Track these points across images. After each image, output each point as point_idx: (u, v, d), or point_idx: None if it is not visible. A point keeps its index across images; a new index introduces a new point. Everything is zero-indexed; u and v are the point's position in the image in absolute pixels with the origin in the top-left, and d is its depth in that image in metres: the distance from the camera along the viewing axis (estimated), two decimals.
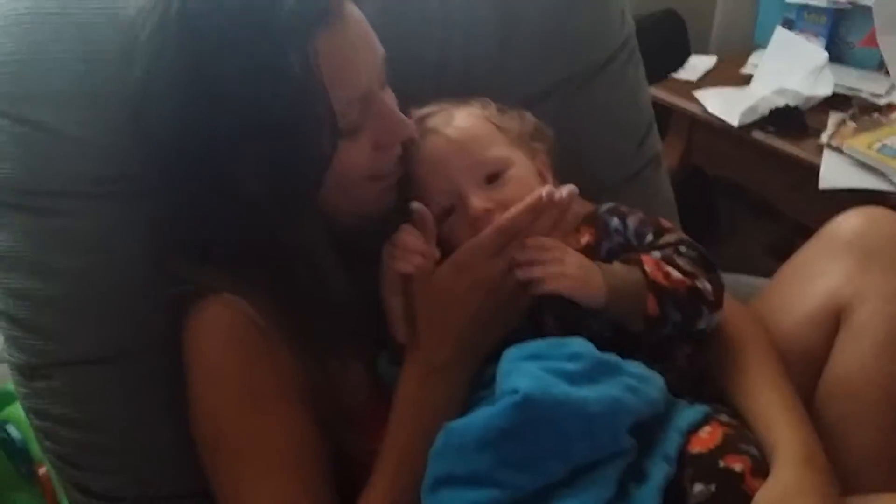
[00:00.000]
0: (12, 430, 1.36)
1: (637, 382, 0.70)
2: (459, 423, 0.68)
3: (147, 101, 0.72)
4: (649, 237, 0.79)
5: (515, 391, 0.66)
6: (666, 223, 0.81)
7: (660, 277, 0.73)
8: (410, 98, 0.82)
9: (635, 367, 0.71)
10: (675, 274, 0.73)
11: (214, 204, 0.74)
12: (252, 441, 0.74)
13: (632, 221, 0.81)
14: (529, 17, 1.04)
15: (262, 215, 0.73)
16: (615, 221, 0.81)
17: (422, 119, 0.82)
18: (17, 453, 1.37)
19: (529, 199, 0.74)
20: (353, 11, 0.74)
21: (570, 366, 0.68)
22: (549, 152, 0.87)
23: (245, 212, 0.73)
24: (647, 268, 0.73)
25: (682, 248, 0.77)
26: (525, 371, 0.67)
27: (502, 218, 0.74)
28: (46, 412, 0.85)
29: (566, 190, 0.76)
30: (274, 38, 0.67)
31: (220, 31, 0.68)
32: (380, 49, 0.77)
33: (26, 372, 0.85)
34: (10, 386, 1.38)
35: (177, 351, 0.78)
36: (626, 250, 0.79)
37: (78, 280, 0.83)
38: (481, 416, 0.67)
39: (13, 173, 0.82)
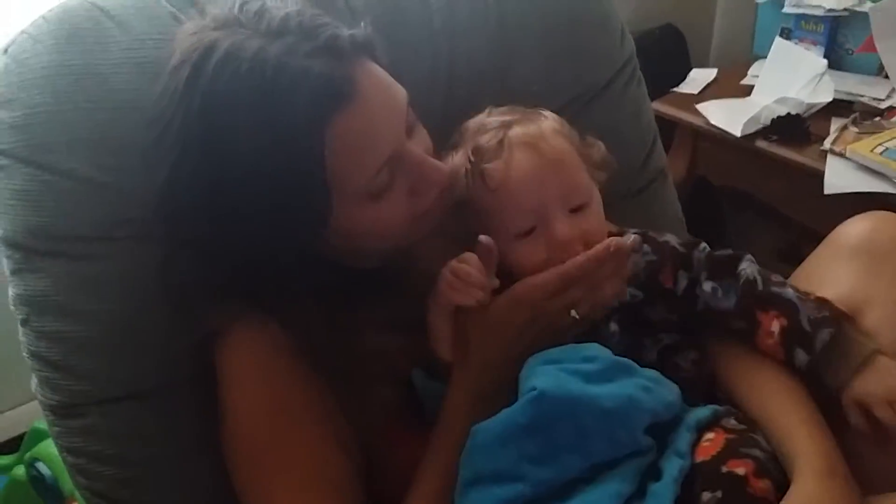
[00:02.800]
0: (42, 468, 1.39)
1: (651, 384, 0.72)
2: (483, 424, 0.71)
3: (171, 191, 0.74)
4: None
5: (533, 389, 0.69)
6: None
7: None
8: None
9: (650, 371, 0.74)
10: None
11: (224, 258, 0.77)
12: (286, 458, 0.76)
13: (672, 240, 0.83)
14: (531, 40, 1.07)
15: (267, 270, 0.76)
16: (645, 247, 0.82)
17: (504, 126, 0.79)
18: (47, 490, 1.39)
19: (600, 250, 0.75)
20: (370, 77, 0.73)
21: (586, 367, 0.71)
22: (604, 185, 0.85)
23: (252, 266, 0.76)
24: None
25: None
26: (543, 372, 0.71)
27: (570, 265, 0.75)
28: (81, 450, 0.87)
29: (631, 240, 0.77)
30: (287, 135, 0.68)
31: (235, 130, 0.69)
32: (402, 98, 0.77)
33: (59, 411, 0.87)
34: (39, 424, 1.43)
35: (210, 383, 0.80)
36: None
37: (109, 321, 0.85)
38: (503, 415, 0.70)
39: (45, 220, 0.84)
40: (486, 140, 0.78)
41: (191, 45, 0.72)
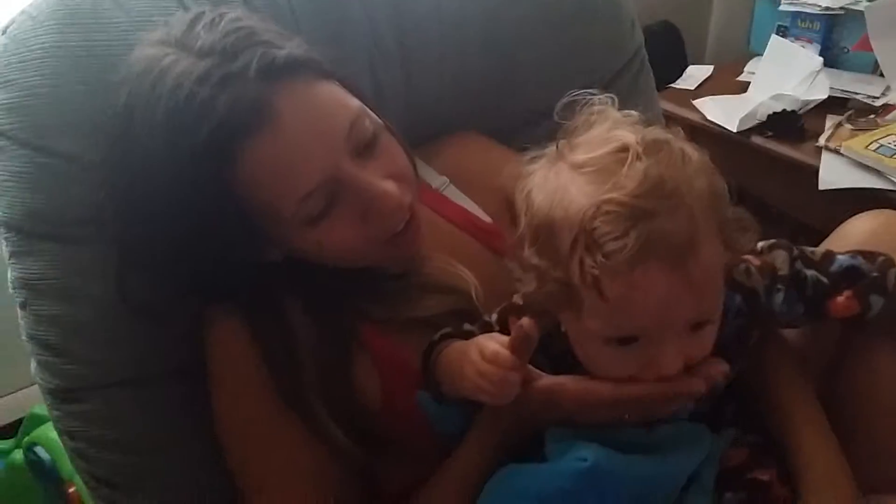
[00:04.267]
0: (41, 452, 1.39)
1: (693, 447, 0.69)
2: (524, 474, 0.68)
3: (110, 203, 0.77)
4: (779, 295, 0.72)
5: (584, 459, 0.65)
6: (755, 259, 0.73)
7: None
8: (427, 116, 0.80)
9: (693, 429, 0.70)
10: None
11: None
12: (274, 427, 0.76)
13: (759, 286, 0.71)
14: (544, 32, 1.07)
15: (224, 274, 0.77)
16: (737, 300, 0.71)
17: (639, 214, 0.56)
18: (46, 474, 1.40)
19: (678, 391, 0.64)
20: (295, 100, 0.70)
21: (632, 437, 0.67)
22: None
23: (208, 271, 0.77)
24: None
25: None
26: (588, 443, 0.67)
27: (634, 393, 0.64)
28: (81, 434, 0.86)
29: (718, 372, 0.66)
30: (194, 158, 0.68)
31: (150, 150, 0.70)
32: (340, 120, 0.72)
33: (59, 395, 0.86)
34: (37, 409, 1.43)
35: (204, 367, 0.80)
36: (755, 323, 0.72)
37: (106, 305, 0.84)
38: (545, 473, 0.67)
39: (41, 203, 0.84)
40: (611, 233, 0.57)
41: (140, 58, 0.73)
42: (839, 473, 0.71)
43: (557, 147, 0.65)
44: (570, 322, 0.65)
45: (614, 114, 0.66)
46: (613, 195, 0.57)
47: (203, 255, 0.74)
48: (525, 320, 0.63)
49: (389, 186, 0.74)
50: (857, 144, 1.50)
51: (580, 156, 0.62)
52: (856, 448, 0.74)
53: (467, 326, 0.75)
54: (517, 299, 0.67)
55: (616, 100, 0.67)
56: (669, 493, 0.68)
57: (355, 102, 0.75)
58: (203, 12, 0.74)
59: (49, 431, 1.36)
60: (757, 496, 0.69)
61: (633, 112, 0.66)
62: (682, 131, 0.65)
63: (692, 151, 0.62)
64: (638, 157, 0.58)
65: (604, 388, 0.66)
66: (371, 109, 0.77)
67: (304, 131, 0.70)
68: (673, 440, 0.68)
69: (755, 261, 0.73)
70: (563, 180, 0.62)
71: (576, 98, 0.67)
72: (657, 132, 0.63)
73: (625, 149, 0.59)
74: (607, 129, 0.63)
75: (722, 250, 0.62)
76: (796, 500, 0.70)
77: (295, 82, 0.70)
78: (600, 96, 0.67)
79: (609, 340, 0.62)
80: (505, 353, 0.64)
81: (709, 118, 1.70)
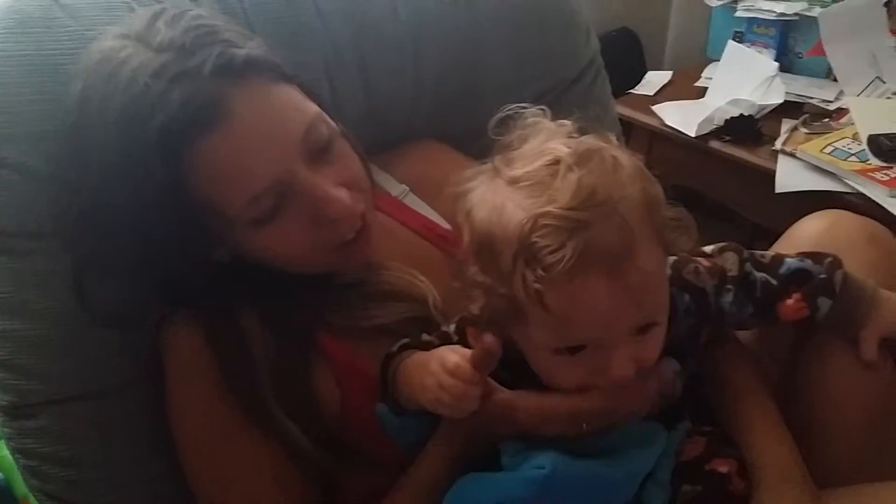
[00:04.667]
0: None
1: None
2: (482, 482, 0.69)
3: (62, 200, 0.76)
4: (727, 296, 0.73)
5: (541, 466, 0.65)
6: (705, 261, 0.75)
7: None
8: (386, 123, 0.80)
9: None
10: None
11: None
12: (231, 436, 0.75)
13: (708, 287, 0.73)
14: (501, 32, 1.08)
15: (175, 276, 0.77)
16: (685, 299, 0.72)
17: (576, 226, 0.57)
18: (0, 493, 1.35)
19: (633, 398, 0.66)
20: (250, 102, 0.69)
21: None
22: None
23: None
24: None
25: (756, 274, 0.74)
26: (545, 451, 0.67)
27: (587, 406, 0.65)
28: (33, 451, 0.85)
29: (669, 376, 0.69)
30: (144, 152, 0.67)
31: (103, 142, 0.69)
32: (295, 123, 0.71)
33: (10, 412, 0.84)
34: None
35: (161, 381, 0.79)
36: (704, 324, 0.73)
37: (58, 319, 0.83)
38: (504, 480, 0.67)
39: None
40: (548, 246, 0.57)
41: (97, 49, 0.72)
42: (793, 467, 0.72)
43: (494, 163, 0.65)
44: (520, 334, 0.66)
45: (548, 125, 0.66)
46: (548, 209, 0.58)
47: (155, 252, 0.73)
48: (488, 337, 0.63)
49: (341, 193, 0.73)
50: (813, 148, 1.53)
51: (516, 171, 0.62)
52: (811, 444, 0.75)
53: (426, 337, 0.75)
54: (475, 309, 0.67)
55: (548, 111, 0.68)
56: (627, 494, 0.69)
57: (313, 107, 0.74)
58: (165, 8, 0.73)
59: (2, 450, 1.32)
60: (714, 489, 0.69)
61: (566, 122, 0.66)
62: (614, 138, 0.66)
63: (624, 158, 0.63)
64: (570, 169, 0.59)
65: (561, 401, 0.66)
66: (328, 115, 0.77)
67: (257, 132, 0.69)
68: (628, 441, 0.68)
69: (705, 262, 0.74)
70: (501, 197, 0.62)
71: (508, 113, 0.68)
72: (589, 141, 0.63)
73: (557, 161, 0.60)
74: (541, 141, 0.64)
75: (661, 252, 0.63)
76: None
77: (251, 83, 0.70)
78: (532, 109, 0.68)
79: (559, 350, 0.63)
80: (466, 366, 0.64)
81: (668, 123, 1.72)
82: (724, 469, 0.70)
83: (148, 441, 0.85)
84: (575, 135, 0.65)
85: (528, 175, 0.61)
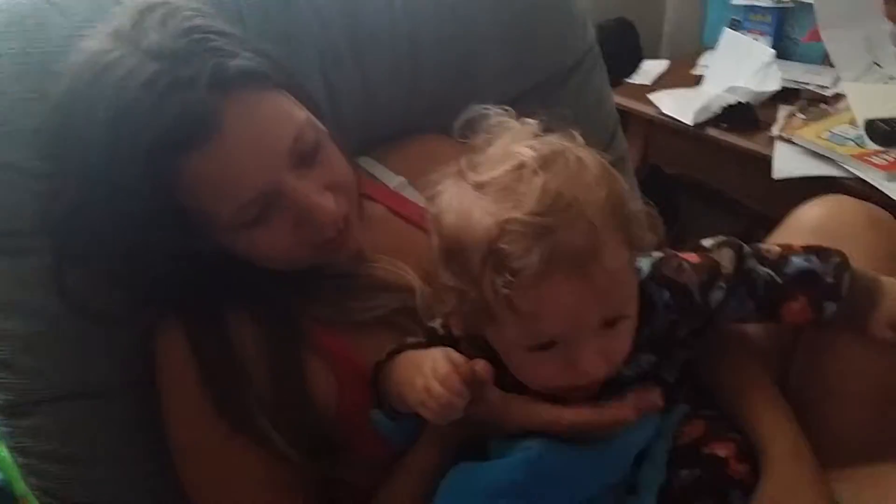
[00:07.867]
0: None
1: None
2: (475, 470, 0.69)
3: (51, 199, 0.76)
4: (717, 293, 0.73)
5: (530, 447, 0.67)
6: (696, 257, 0.74)
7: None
8: (383, 115, 0.79)
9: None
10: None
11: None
12: (221, 441, 0.75)
13: (692, 283, 0.72)
14: (496, 26, 1.07)
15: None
16: (665, 296, 0.72)
17: (542, 230, 0.58)
18: None
19: (611, 419, 0.68)
20: (242, 113, 0.69)
21: None
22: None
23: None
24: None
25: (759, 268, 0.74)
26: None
27: (564, 422, 0.67)
28: (31, 449, 0.85)
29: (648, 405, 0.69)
30: (133, 163, 0.67)
31: (90, 146, 0.68)
32: (283, 133, 0.72)
33: (8, 411, 0.84)
34: None
35: (154, 380, 0.79)
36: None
37: (54, 318, 0.82)
38: (497, 466, 0.68)
39: None
40: (515, 252, 0.58)
41: (84, 49, 0.71)
42: (803, 446, 0.72)
43: (460, 166, 0.66)
44: (493, 334, 0.67)
45: (512, 125, 0.66)
46: (514, 215, 0.58)
47: (140, 252, 0.73)
48: (481, 363, 0.65)
49: (326, 200, 0.74)
50: (810, 133, 1.52)
51: (481, 175, 0.62)
52: (816, 425, 0.75)
53: (411, 340, 0.75)
54: (447, 310, 0.68)
55: (512, 110, 0.68)
56: (617, 475, 0.69)
57: (301, 114, 0.74)
58: (155, 4, 0.72)
59: (1, 450, 1.33)
60: (712, 473, 0.69)
61: (530, 121, 0.66)
62: (579, 136, 0.65)
63: (589, 157, 0.63)
64: (535, 173, 0.59)
65: (544, 412, 0.68)
66: (318, 115, 0.77)
67: (246, 145, 0.69)
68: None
69: (693, 258, 0.74)
70: (468, 202, 0.63)
71: (473, 115, 0.68)
72: (554, 142, 0.63)
73: (522, 165, 0.60)
74: (506, 144, 0.64)
75: (626, 250, 0.63)
76: (756, 479, 0.70)
77: (243, 95, 0.70)
78: (496, 109, 0.68)
79: (530, 347, 0.64)
80: (456, 378, 0.64)
81: (665, 112, 1.71)
82: (722, 453, 0.70)
83: (144, 439, 0.85)
84: (540, 135, 0.65)
85: (493, 180, 0.61)
